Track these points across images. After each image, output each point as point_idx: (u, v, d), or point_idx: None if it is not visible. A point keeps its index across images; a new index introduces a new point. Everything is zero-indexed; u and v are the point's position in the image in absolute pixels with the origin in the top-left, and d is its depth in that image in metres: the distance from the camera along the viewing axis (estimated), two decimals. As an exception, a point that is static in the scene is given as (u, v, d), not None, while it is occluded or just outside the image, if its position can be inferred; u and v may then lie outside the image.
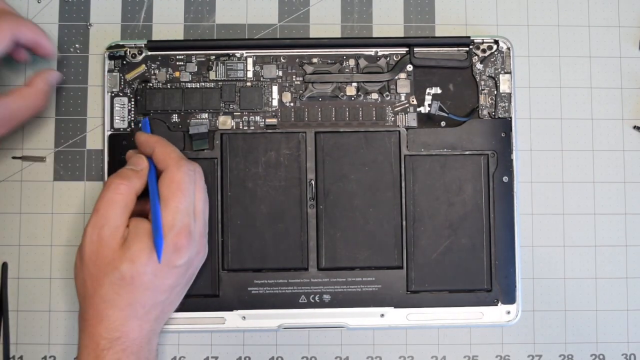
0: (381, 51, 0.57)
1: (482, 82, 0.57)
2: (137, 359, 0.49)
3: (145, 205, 0.51)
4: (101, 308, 0.49)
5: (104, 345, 0.48)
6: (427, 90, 0.57)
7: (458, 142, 0.56)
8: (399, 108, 0.57)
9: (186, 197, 0.49)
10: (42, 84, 0.53)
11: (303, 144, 0.56)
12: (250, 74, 0.57)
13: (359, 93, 0.57)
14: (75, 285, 0.51)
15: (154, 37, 0.58)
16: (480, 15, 0.59)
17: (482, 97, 0.57)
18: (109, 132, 0.56)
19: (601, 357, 0.57)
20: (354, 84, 0.57)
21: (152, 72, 0.56)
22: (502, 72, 0.57)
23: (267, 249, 0.55)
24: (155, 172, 0.51)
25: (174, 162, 0.50)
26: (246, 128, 0.56)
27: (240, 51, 0.57)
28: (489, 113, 0.57)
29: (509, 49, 0.57)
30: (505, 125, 0.56)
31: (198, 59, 0.56)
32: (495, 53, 0.57)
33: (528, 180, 0.58)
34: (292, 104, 0.56)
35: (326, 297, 0.55)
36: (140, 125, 0.55)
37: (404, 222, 0.55)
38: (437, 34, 0.58)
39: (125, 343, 0.48)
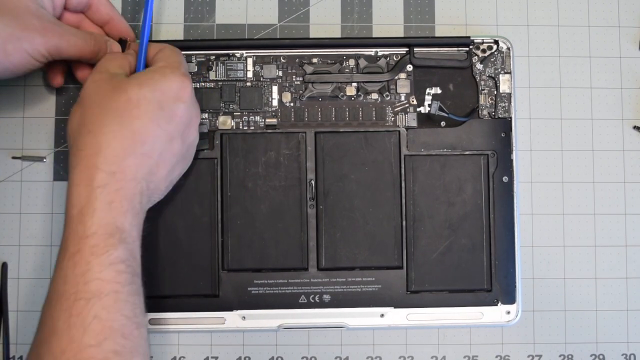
0: (381, 51, 0.57)
1: (482, 82, 0.57)
2: (130, 207, 0.46)
3: None
4: (101, 138, 0.46)
5: (99, 180, 0.46)
6: (427, 90, 0.57)
7: (458, 142, 0.56)
8: (399, 108, 0.57)
9: (185, 63, 0.52)
10: (102, 40, 0.53)
11: (303, 144, 0.56)
12: (250, 74, 0.57)
13: (359, 93, 0.57)
14: (68, 135, 0.48)
15: (154, 37, 0.58)
16: (480, 16, 0.59)
17: (482, 97, 0.57)
18: (109, 132, 0.56)
19: (601, 357, 0.57)
20: (354, 84, 0.57)
21: (152, 72, 0.56)
22: (502, 72, 0.57)
23: (267, 249, 0.55)
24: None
25: (170, 47, 0.53)
26: (246, 128, 0.56)
27: (240, 51, 0.57)
28: (488, 113, 0.57)
29: (508, 49, 0.57)
30: (505, 125, 0.56)
31: (198, 59, 0.56)
32: (495, 53, 0.57)
33: (528, 180, 0.58)
34: (292, 104, 0.56)
35: (326, 297, 0.55)
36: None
37: (403, 222, 0.55)
38: (437, 34, 0.58)
39: (120, 182, 0.46)
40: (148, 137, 0.48)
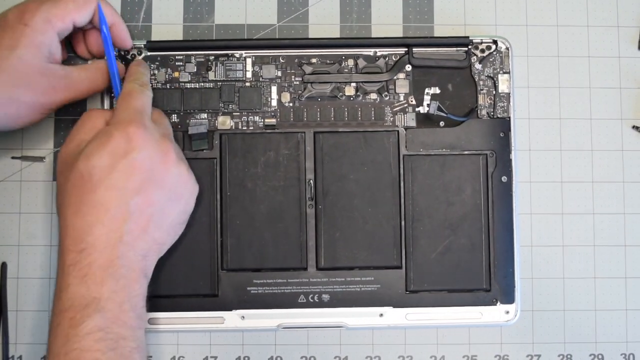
0: (380, 51, 0.57)
1: (481, 82, 0.57)
2: (108, 275, 0.47)
3: None
4: (67, 217, 0.48)
5: (69, 260, 0.47)
6: (426, 90, 0.57)
7: (457, 142, 0.56)
8: (398, 108, 0.57)
9: (138, 100, 0.51)
10: (106, 70, 0.54)
11: (302, 144, 0.56)
12: (249, 74, 0.57)
13: (358, 93, 0.57)
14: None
15: (154, 38, 0.58)
16: (479, 16, 0.59)
17: (480, 97, 0.57)
18: (109, 132, 0.56)
19: (600, 356, 0.57)
20: (353, 84, 0.57)
21: (152, 72, 0.56)
22: (501, 72, 0.57)
23: (266, 248, 0.55)
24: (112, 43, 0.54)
25: (126, 86, 0.52)
26: (245, 128, 0.56)
27: (239, 51, 0.57)
28: (487, 113, 0.57)
29: (507, 49, 0.57)
30: (504, 125, 0.56)
31: (197, 59, 0.57)
32: (494, 53, 0.57)
33: (527, 180, 0.58)
34: (291, 104, 0.57)
35: (325, 297, 0.55)
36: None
37: (403, 222, 0.56)
38: (436, 34, 0.58)
39: (91, 256, 0.47)
40: (110, 204, 0.48)
